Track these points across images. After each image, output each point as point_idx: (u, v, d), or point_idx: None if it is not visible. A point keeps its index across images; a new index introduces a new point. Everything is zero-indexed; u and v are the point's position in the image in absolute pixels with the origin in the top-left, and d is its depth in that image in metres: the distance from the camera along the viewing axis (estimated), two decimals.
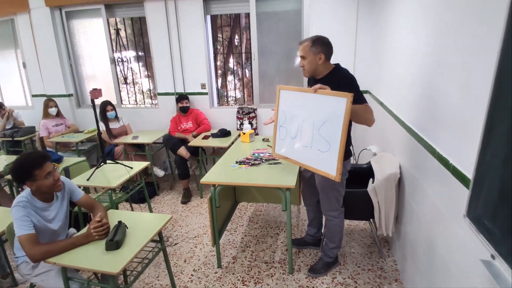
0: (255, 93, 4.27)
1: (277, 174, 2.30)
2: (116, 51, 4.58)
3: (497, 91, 1.09)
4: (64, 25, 4.56)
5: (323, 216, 2.37)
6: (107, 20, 4.39)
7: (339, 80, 1.97)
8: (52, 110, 4.35)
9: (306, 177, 2.41)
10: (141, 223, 2.02)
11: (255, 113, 4.19)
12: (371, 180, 2.75)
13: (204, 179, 2.24)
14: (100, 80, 4.76)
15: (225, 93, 4.68)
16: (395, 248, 2.51)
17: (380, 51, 3.26)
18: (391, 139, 2.65)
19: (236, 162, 2.52)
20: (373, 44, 3.56)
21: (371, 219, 2.53)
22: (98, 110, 4.07)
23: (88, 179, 2.69)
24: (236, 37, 4.49)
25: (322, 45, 1.99)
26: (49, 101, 4.37)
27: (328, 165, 1.85)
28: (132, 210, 3.31)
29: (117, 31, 4.53)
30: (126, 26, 4.58)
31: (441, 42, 1.71)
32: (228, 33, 4.55)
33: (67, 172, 2.98)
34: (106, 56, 4.57)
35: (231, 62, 4.56)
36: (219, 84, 4.59)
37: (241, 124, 4.21)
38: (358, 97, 1.88)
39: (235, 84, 4.64)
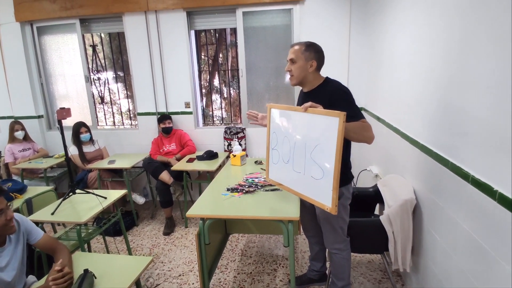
0: (244, 112, 4.00)
1: (276, 203, 1.98)
2: (92, 69, 4.24)
3: None
4: (35, 41, 4.20)
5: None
6: (83, 35, 4.07)
7: (331, 93, 1.75)
8: (19, 134, 3.94)
9: (307, 205, 2.10)
10: (114, 269, 1.65)
11: (244, 133, 3.90)
12: (378, 205, 2.48)
13: (191, 212, 1.90)
14: (74, 100, 4.38)
15: (210, 113, 4.39)
16: (411, 284, 2.21)
17: (376, 65, 3.07)
18: (399, 159, 2.40)
19: (228, 190, 2.19)
20: (369, 59, 3.38)
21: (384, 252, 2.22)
22: (70, 132, 3.72)
23: (53, 213, 2.29)
24: (220, 55, 4.24)
25: (316, 52, 1.82)
26: (15, 123, 3.97)
27: (323, 195, 1.57)
28: (106, 245, 2.89)
29: (94, 48, 4.21)
30: (104, 43, 4.28)
31: (462, 48, 1.49)
32: (212, 51, 4.31)
33: (29, 204, 2.58)
34: (81, 74, 4.22)
35: (216, 81, 4.30)
36: (204, 104, 4.31)
37: (229, 145, 3.91)
38: (354, 112, 1.67)
39: (221, 103, 4.37)
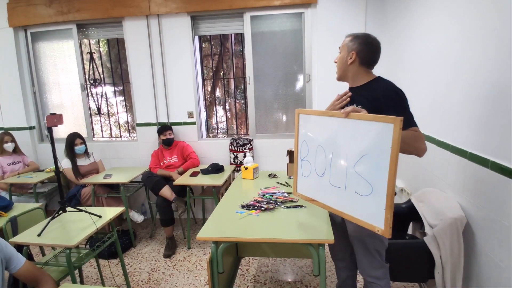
0: (251, 122, 3.73)
1: (303, 222, 1.69)
2: (89, 78, 3.99)
3: None
4: (28, 48, 3.96)
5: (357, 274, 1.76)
6: (79, 42, 3.83)
7: (380, 93, 1.49)
8: (8, 146, 3.64)
9: (337, 223, 1.81)
10: None
11: (251, 145, 3.62)
12: (411, 224, 2.19)
13: (203, 234, 1.60)
14: (69, 110, 4.10)
15: (214, 124, 4.12)
16: None
17: (398, 69, 2.85)
18: (435, 171, 2.12)
19: (243, 207, 1.89)
20: (388, 63, 3.13)
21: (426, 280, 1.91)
22: (63, 145, 3.43)
23: (39, 234, 1.98)
24: (225, 66, 4.01)
25: (360, 43, 1.57)
26: (5, 135, 3.68)
27: (372, 214, 1.29)
28: (100, 270, 2.55)
29: (91, 55, 3.97)
30: (102, 51, 4.04)
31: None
32: (214, 61, 4.08)
33: (14, 224, 2.26)
34: (76, 83, 3.96)
35: (219, 92, 4.06)
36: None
37: (235, 157, 3.63)
38: (406, 119, 1.38)
39: (226, 114, 4.11)
